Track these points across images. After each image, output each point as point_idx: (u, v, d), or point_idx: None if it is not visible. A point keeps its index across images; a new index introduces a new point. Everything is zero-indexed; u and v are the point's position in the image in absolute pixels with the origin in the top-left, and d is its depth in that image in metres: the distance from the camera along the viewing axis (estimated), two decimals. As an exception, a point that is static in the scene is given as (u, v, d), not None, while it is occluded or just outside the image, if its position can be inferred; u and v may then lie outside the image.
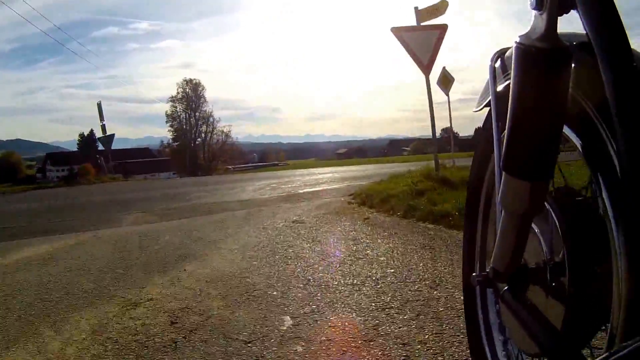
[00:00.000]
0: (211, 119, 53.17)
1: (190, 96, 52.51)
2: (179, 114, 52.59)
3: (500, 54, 0.98)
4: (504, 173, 0.76)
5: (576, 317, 0.73)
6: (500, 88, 0.97)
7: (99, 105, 20.90)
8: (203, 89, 53.31)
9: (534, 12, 0.69)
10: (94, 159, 36.93)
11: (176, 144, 52.81)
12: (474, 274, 0.94)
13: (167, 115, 52.80)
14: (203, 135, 52.99)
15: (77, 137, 57.12)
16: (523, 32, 0.71)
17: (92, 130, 60.74)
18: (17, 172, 18.59)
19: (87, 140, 58.17)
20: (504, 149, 0.75)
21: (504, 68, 0.96)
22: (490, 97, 1.00)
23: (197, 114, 52.68)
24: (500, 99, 0.96)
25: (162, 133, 53.82)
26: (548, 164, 0.71)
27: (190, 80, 53.47)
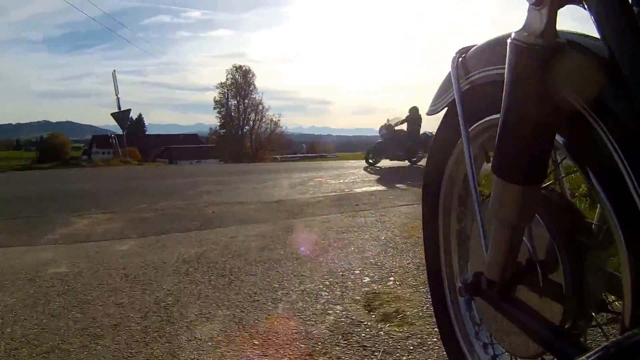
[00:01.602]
0: (260, 107, 52.12)
1: (240, 83, 51.60)
2: (227, 100, 51.88)
3: (462, 53, 0.99)
4: (495, 178, 0.74)
5: (573, 310, 0.74)
6: (464, 88, 0.97)
7: (114, 75, 19.00)
8: (253, 76, 52.10)
9: (529, 6, 0.67)
10: (138, 143, 36.23)
11: (223, 130, 52.13)
12: (459, 284, 0.93)
13: (216, 102, 52.14)
14: (251, 123, 52.18)
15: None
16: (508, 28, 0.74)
17: (140, 115, 61.59)
18: (64, 153, 17.44)
19: (135, 124, 59.32)
20: (495, 151, 0.74)
21: (466, 68, 0.97)
22: (448, 98, 1.04)
23: (246, 101, 51.82)
24: (466, 98, 0.96)
25: (213, 121, 53.33)
26: (542, 167, 0.71)
27: (240, 67, 52.43)
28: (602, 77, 0.64)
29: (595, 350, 0.52)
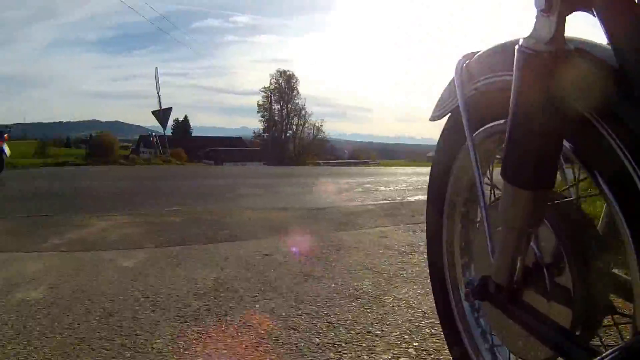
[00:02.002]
0: (303, 112, 52.16)
1: (283, 87, 51.74)
2: (271, 104, 52.09)
3: (467, 59, 0.99)
4: (504, 183, 0.75)
5: (582, 314, 0.74)
6: (469, 94, 0.97)
7: (156, 72, 18.61)
8: (296, 82, 52.17)
9: (537, 12, 0.67)
10: (184, 143, 36.56)
11: (266, 134, 52.30)
12: (467, 289, 0.94)
13: (259, 105, 52.58)
14: (294, 127, 52.26)
15: (172, 122, 59.38)
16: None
17: (186, 117, 62.63)
18: (112, 151, 17.41)
19: (181, 126, 60.32)
20: (504, 157, 0.74)
21: (471, 74, 0.97)
22: (452, 104, 1.04)
23: (289, 105, 51.87)
24: (470, 104, 0.96)
25: (257, 124, 53.86)
26: (551, 172, 0.71)
27: (284, 71, 52.61)
28: (611, 83, 0.64)
29: (607, 353, 0.55)
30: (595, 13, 0.63)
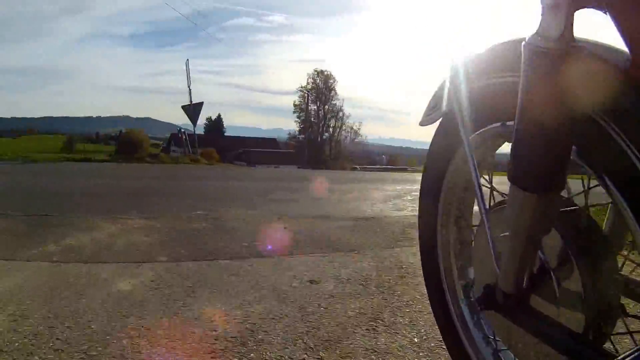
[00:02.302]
0: (341, 114, 50.99)
1: (321, 88, 50.64)
2: (307, 105, 51.21)
3: (459, 60, 0.96)
4: (512, 187, 0.72)
5: (594, 317, 0.72)
6: (465, 94, 0.95)
7: (187, 65, 17.75)
8: (334, 82, 51.05)
9: (542, 8, 0.63)
10: (217, 143, 36.36)
11: (302, 136, 51.43)
12: (472, 299, 0.99)
13: (295, 106, 51.50)
14: (331, 130, 51.06)
15: (204, 121, 59.39)
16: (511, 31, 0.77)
17: (219, 115, 62.71)
18: (142, 148, 17.02)
19: (214, 125, 60.34)
20: (511, 160, 0.71)
21: (465, 75, 0.95)
22: (445, 107, 1.00)
23: (326, 107, 50.78)
24: (469, 105, 0.93)
25: (291, 126, 53.29)
26: (561, 175, 0.68)
27: (322, 71, 51.59)
28: (621, 83, 0.63)
29: (625, 354, 0.55)
30: (606, 10, 0.60)
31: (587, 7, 0.62)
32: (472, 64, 0.94)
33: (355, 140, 51.21)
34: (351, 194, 6.36)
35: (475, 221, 1.02)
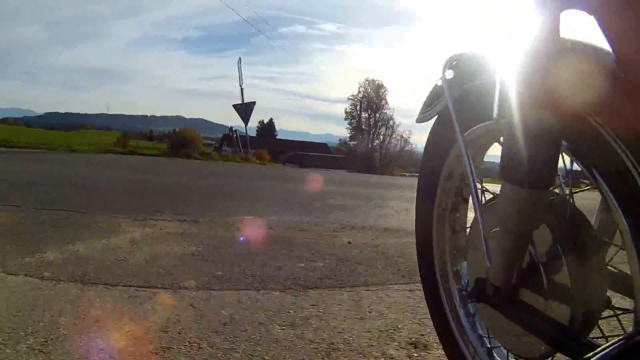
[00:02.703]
0: (391, 123, 50.51)
1: (372, 96, 50.54)
2: (358, 112, 51.08)
3: (454, 60, 0.99)
4: (503, 183, 0.74)
5: (580, 310, 0.73)
6: (457, 94, 0.96)
7: (239, 64, 16.99)
8: (385, 91, 50.81)
9: (531, 10, 0.66)
10: (268, 145, 36.45)
11: (353, 142, 51.21)
12: (463, 291, 1.03)
13: (346, 113, 51.53)
14: (381, 137, 50.71)
15: (256, 124, 60.08)
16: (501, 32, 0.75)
17: (271, 119, 63.25)
18: (194, 147, 16.76)
19: (266, 128, 60.91)
20: (502, 156, 0.73)
21: (459, 74, 0.97)
22: (440, 106, 1.03)
23: (377, 115, 50.53)
24: (461, 104, 0.95)
25: (342, 132, 53.34)
26: (550, 170, 0.70)
27: (373, 80, 51.46)
28: (607, 81, 0.64)
29: (609, 344, 0.55)
30: (590, 11, 0.61)
31: (574, 9, 0.63)
32: (466, 62, 0.96)
33: (405, 148, 50.60)
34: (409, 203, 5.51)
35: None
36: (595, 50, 0.67)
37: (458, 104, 0.94)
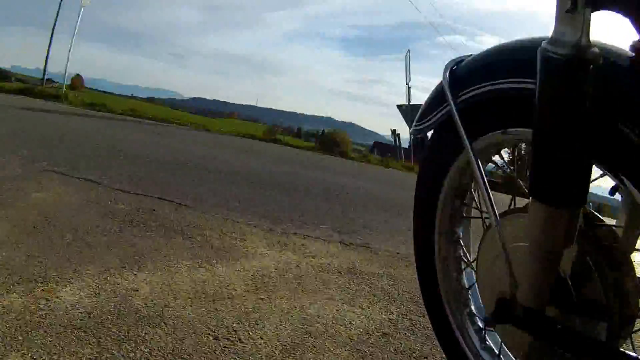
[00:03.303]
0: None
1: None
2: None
3: (455, 64, 0.91)
4: (532, 202, 0.66)
5: (617, 323, 0.68)
6: (460, 103, 0.86)
7: (407, 58, 14.37)
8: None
9: (558, 12, 0.59)
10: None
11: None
12: (485, 316, 0.91)
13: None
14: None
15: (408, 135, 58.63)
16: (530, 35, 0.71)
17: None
18: (342, 147, 16.30)
19: (419, 140, 59.32)
20: (531, 172, 0.66)
21: (462, 81, 0.87)
22: (441, 116, 0.93)
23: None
24: (467, 112, 0.85)
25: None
26: (584, 187, 0.63)
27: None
28: None
29: None
30: (626, 12, 0.56)
31: (607, 9, 0.57)
32: (469, 68, 0.87)
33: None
34: None
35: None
36: (628, 54, 0.60)
37: (467, 110, 0.84)
